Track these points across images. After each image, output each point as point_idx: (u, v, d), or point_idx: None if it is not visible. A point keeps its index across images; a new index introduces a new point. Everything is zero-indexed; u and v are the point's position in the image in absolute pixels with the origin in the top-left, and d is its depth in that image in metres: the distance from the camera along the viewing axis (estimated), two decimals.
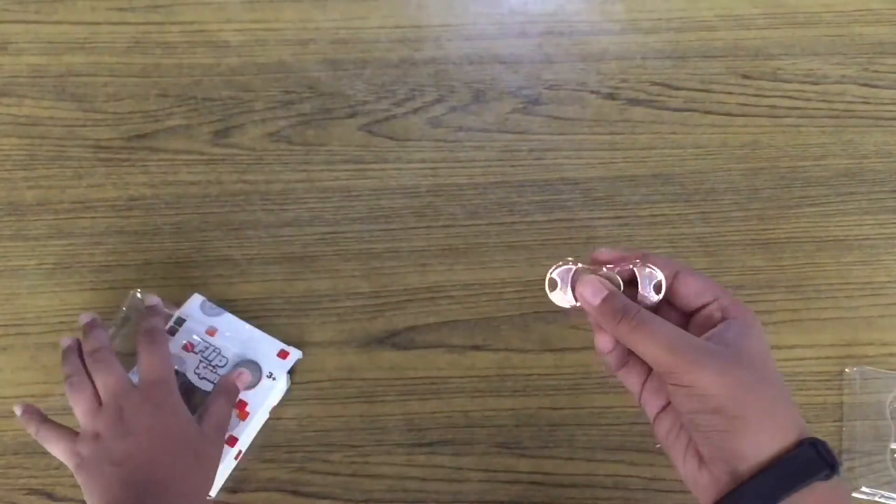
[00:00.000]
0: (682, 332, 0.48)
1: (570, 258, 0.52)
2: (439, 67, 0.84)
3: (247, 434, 0.66)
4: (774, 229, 0.76)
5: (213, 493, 0.64)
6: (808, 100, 0.83)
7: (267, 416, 0.68)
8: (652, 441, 0.68)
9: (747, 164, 0.79)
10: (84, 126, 0.80)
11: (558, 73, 0.84)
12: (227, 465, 0.65)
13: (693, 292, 0.51)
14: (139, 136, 0.79)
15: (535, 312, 0.72)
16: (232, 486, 0.66)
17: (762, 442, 0.46)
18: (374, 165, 0.79)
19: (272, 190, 0.77)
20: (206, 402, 0.64)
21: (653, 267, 0.50)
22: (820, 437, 0.66)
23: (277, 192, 0.77)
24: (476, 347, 0.71)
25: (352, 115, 0.81)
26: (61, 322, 0.71)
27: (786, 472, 0.45)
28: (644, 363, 0.51)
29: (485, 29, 0.86)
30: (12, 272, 0.73)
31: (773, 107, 0.82)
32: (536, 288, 0.73)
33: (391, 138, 0.80)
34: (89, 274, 0.73)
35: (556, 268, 0.52)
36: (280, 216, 0.76)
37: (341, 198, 0.77)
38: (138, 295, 0.70)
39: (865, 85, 0.83)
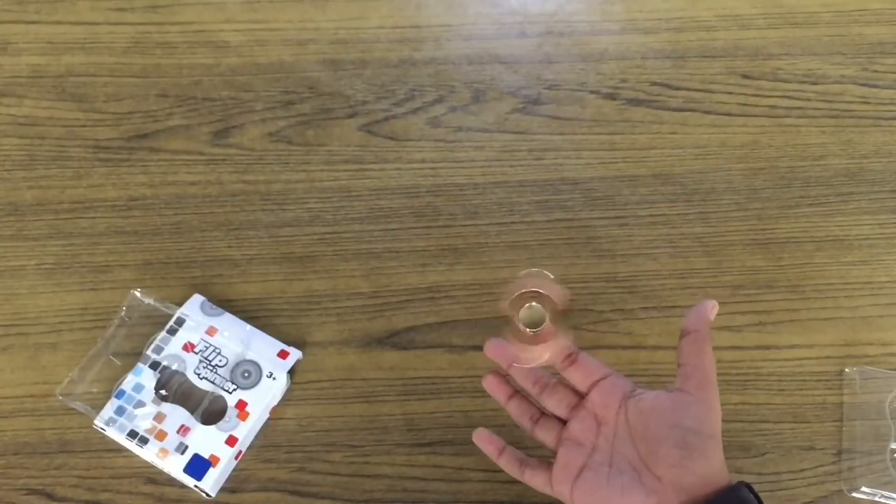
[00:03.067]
0: None
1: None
2: (439, 67, 0.84)
3: (247, 434, 0.66)
4: (774, 229, 0.76)
5: (213, 493, 0.64)
6: (808, 100, 0.83)
7: (267, 416, 0.68)
8: None
9: (747, 164, 0.79)
10: (84, 126, 0.80)
11: (558, 73, 0.84)
12: (227, 465, 0.65)
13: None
14: (139, 137, 0.79)
15: None
16: (232, 486, 0.66)
17: (722, 475, 0.51)
18: (373, 165, 0.79)
19: (272, 190, 0.77)
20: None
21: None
22: (820, 436, 0.68)
23: (277, 192, 0.77)
24: (476, 347, 0.71)
25: (351, 116, 0.81)
26: (61, 322, 0.71)
27: (735, 501, 0.50)
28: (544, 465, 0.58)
29: (484, 29, 0.86)
30: (12, 272, 0.73)
31: (773, 107, 0.82)
32: None
33: (391, 138, 0.80)
34: (89, 274, 0.73)
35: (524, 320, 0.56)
36: (280, 216, 0.76)
37: (341, 198, 0.77)
38: (138, 295, 0.70)
39: (865, 85, 0.84)
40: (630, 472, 0.53)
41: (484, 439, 0.60)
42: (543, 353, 0.56)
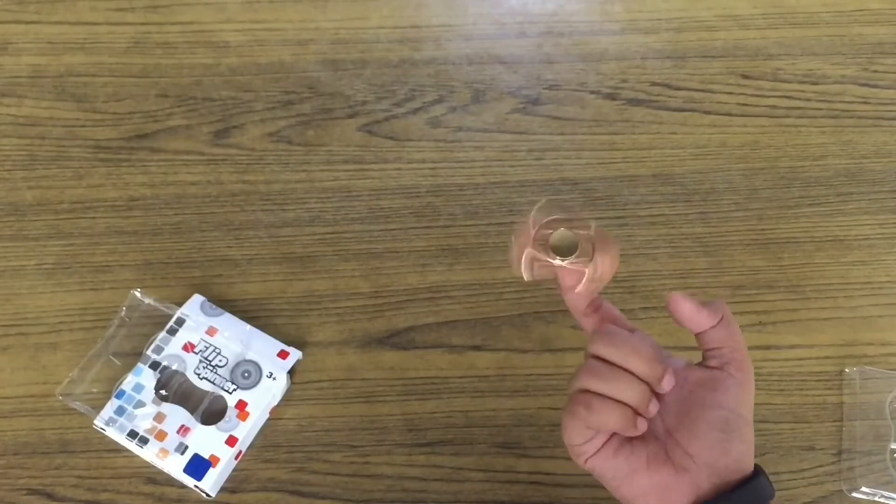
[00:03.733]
0: None
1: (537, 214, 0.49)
2: (439, 68, 0.84)
3: (247, 434, 0.66)
4: (774, 229, 0.76)
5: (213, 493, 0.64)
6: (808, 100, 0.83)
7: (267, 416, 0.68)
8: None
9: (747, 164, 0.79)
10: (84, 126, 0.80)
11: (558, 74, 0.84)
12: (227, 466, 0.65)
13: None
14: (139, 137, 0.79)
15: (535, 312, 0.72)
16: (232, 487, 0.66)
17: (750, 457, 0.50)
18: (373, 166, 0.79)
19: (272, 190, 0.77)
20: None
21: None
22: (820, 436, 0.68)
23: (277, 192, 0.77)
24: (476, 347, 0.71)
25: (352, 116, 0.81)
26: (61, 322, 0.71)
27: (757, 490, 0.49)
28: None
29: (484, 29, 0.86)
30: (12, 272, 0.73)
31: (773, 107, 0.82)
32: (536, 288, 0.73)
33: (391, 138, 0.80)
34: (89, 274, 0.73)
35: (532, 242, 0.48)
36: (280, 216, 0.76)
37: (341, 198, 0.77)
38: (138, 295, 0.70)
39: (865, 85, 0.84)
40: (654, 443, 0.50)
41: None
42: (595, 272, 0.48)
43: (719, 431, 0.49)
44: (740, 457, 0.49)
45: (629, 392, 0.48)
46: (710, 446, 0.49)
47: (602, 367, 0.49)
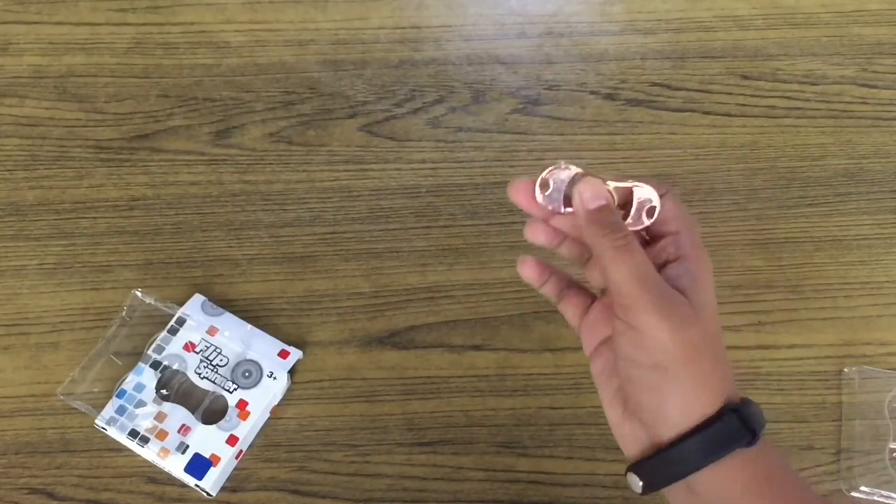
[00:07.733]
0: (655, 272, 0.45)
1: (563, 162, 0.49)
2: (439, 68, 0.84)
3: (247, 433, 0.66)
4: (773, 229, 0.77)
5: (213, 492, 0.65)
6: (807, 100, 0.83)
7: (267, 415, 0.68)
8: None
9: (746, 165, 0.80)
10: (85, 126, 0.80)
11: (558, 74, 0.84)
12: (227, 465, 0.65)
13: (662, 218, 0.48)
14: (140, 137, 0.80)
15: (535, 312, 0.72)
16: (232, 486, 0.66)
17: (690, 408, 0.44)
18: (374, 166, 0.79)
19: (273, 190, 0.77)
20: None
21: (651, 191, 0.47)
22: (819, 436, 0.68)
23: (278, 192, 0.77)
24: (476, 347, 0.71)
25: (352, 116, 0.81)
26: (62, 322, 0.71)
27: (707, 441, 0.43)
28: (583, 296, 0.51)
29: (484, 30, 0.86)
30: (13, 272, 0.73)
31: (772, 107, 0.82)
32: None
33: (391, 139, 0.80)
34: (90, 274, 0.73)
35: (552, 169, 0.49)
36: (280, 216, 0.76)
37: (341, 198, 0.77)
38: (139, 294, 0.71)
39: (864, 85, 0.84)
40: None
41: (531, 266, 0.51)
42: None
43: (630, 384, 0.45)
44: (674, 414, 0.44)
45: None
46: (641, 398, 0.45)
47: None
